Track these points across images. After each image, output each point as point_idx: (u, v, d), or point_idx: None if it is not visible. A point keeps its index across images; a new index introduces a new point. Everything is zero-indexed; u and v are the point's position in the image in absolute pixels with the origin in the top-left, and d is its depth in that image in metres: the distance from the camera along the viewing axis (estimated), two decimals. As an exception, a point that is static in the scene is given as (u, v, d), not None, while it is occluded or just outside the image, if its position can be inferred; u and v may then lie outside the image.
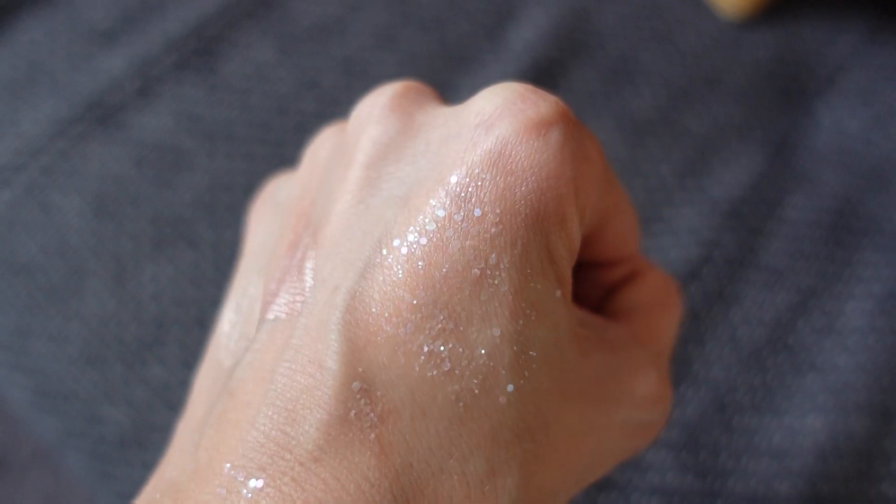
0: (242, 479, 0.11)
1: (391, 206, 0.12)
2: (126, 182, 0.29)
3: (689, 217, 0.29)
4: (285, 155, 0.30)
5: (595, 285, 0.16)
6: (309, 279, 0.13)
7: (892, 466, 0.25)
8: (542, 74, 0.32)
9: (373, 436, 0.11)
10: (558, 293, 0.12)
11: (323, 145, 0.15)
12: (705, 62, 0.33)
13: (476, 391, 0.11)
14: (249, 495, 0.11)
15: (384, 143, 0.13)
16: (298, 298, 0.12)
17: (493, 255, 0.11)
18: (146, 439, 0.26)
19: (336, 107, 0.31)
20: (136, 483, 0.25)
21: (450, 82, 0.32)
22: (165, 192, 0.29)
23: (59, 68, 0.31)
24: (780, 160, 0.31)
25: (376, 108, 0.13)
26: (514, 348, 0.11)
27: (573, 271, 0.14)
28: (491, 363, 0.11)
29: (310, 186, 0.14)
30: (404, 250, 0.12)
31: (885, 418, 0.26)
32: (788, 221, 0.30)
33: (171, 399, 0.26)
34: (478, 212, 0.12)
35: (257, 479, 0.11)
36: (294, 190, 0.15)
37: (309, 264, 0.13)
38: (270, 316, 0.13)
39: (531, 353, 0.12)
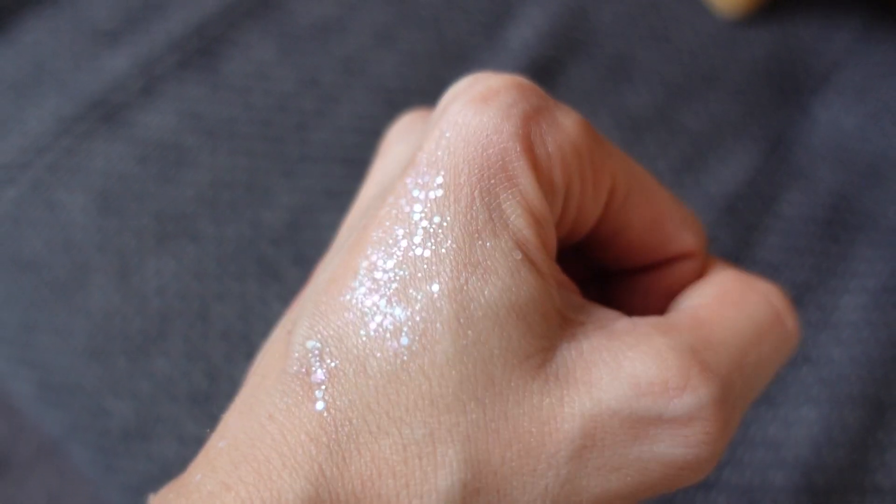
0: (214, 442, 0.12)
1: (376, 197, 0.13)
2: (130, 179, 0.29)
3: (685, 212, 0.30)
4: (286, 152, 0.30)
5: (654, 295, 0.14)
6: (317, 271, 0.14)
7: (886, 457, 0.26)
8: (540, 73, 0.32)
9: (318, 392, 0.11)
10: (517, 255, 0.12)
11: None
12: (702, 60, 0.33)
13: (414, 347, 0.11)
14: (213, 454, 0.12)
15: (391, 163, 0.14)
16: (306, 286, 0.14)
17: (437, 216, 0.12)
18: (150, 431, 0.26)
19: (336, 105, 0.31)
20: (141, 475, 0.26)
21: (448, 81, 0.32)
22: (168, 188, 0.29)
23: (63, 68, 0.31)
24: (775, 156, 0.32)
25: (389, 137, 0.15)
26: (454, 305, 0.11)
27: (626, 281, 0.14)
28: (428, 319, 0.11)
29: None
30: (371, 223, 0.12)
31: (878, 410, 0.26)
32: (784, 217, 0.30)
33: (175, 391, 0.26)
34: (426, 178, 0.12)
35: (224, 440, 0.12)
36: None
37: (323, 260, 0.14)
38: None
39: (476, 311, 0.11)
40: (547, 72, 0.32)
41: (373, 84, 0.32)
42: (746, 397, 0.12)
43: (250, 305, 0.27)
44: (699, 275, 0.14)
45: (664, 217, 0.14)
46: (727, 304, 0.13)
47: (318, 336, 0.12)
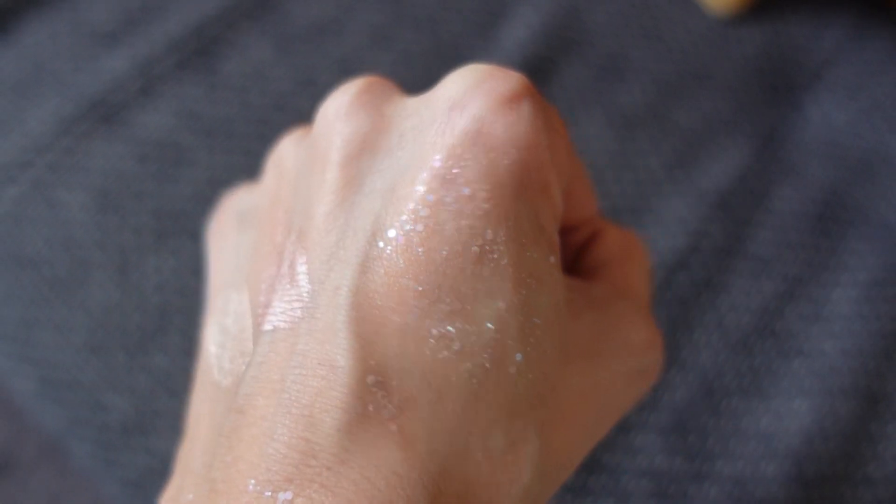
0: (270, 494, 0.11)
1: (377, 199, 0.12)
2: (129, 177, 0.30)
3: (677, 208, 0.30)
4: (283, 151, 0.30)
5: (566, 249, 0.16)
6: (305, 284, 0.12)
7: (877, 449, 0.26)
8: (533, 72, 0.33)
9: (394, 427, 0.11)
10: (552, 259, 0.12)
11: (287, 153, 0.14)
12: (694, 58, 0.34)
13: (487, 365, 0.11)
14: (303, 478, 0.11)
15: (357, 139, 0.13)
16: (297, 305, 0.12)
17: (489, 231, 0.12)
18: (149, 426, 0.26)
19: (333, 104, 0.32)
20: (140, 469, 0.26)
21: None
22: (167, 186, 0.29)
23: (63, 69, 0.32)
24: (767, 153, 0.32)
25: (343, 106, 0.13)
26: (520, 318, 0.12)
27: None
28: (499, 336, 0.12)
29: (280, 195, 0.14)
30: (401, 239, 0.12)
31: (870, 402, 0.26)
32: (775, 212, 0.30)
33: (173, 387, 0.26)
34: (467, 190, 0.12)
35: (285, 491, 0.10)
36: (262, 200, 0.14)
37: (301, 269, 0.12)
38: (268, 327, 0.12)
39: (535, 320, 0.12)
40: (541, 71, 0.33)
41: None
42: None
43: (248, 301, 0.27)
44: (595, 233, 0.16)
45: (587, 192, 0.15)
46: (630, 261, 0.16)
47: (376, 370, 0.11)
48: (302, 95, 0.32)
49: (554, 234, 0.13)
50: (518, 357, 0.12)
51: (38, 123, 0.31)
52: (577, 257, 0.16)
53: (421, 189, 0.12)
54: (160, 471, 0.26)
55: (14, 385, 0.29)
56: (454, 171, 0.12)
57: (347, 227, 0.12)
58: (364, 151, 0.13)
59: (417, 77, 0.32)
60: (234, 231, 0.15)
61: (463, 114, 0.12)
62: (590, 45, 0.34)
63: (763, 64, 0.34)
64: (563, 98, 0.32)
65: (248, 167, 0.30)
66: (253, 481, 0.11)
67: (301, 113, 0.31)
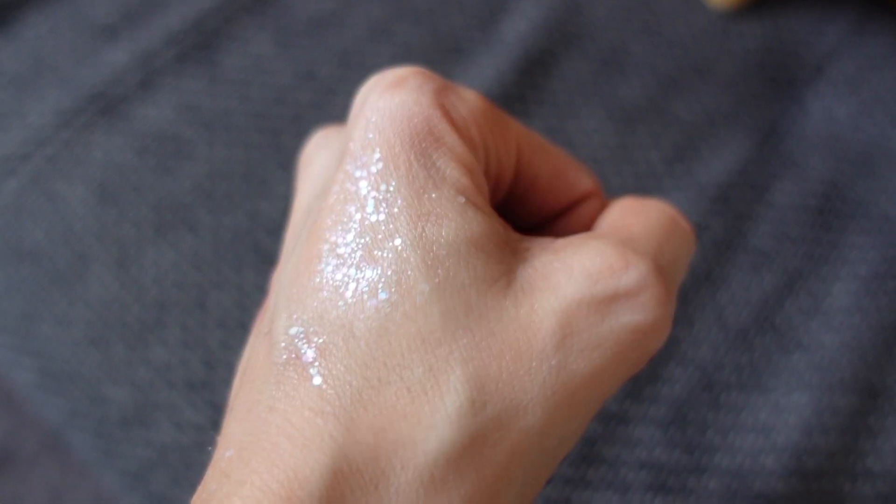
0: (220, 455, 0.12)
1: (317, 199, 0.14)
2: (128, 170, 0.30)
3: (677, 201, 0.30)
4: (282, 144, 0.30)
5: (571, 233, 0.16)
6: (273, 287, 0.15)
7: (877, 441, 0.26)
8: (534, 65, 0.33)
9: (312, 370, 0.12)
10: (461, 199, 0.13)
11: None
12: (694, 52, 0.34)
13: (393, 298, 0.12)
14: (223, 465, 0.12)
15: (312, 170, 0.16)
16: (266, 302, 0.15)
17: (383, 184, 0.13)
18: (148, 418, 0.26)
19: (332, 97, 0.32)
20: (139, 461, 0.26)
21: (444, 74, 0.32)
22: (166, 179, 0.29)
23: (63, 62, 0.32)
24: (768, 146, 0.32)
25: (307, 151, 0.16)
26: (419, 251, 0.13)
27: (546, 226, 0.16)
28: (399, 269, 0.12)
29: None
30: (321, 215, 0.13)
31: (870, 395, 0.26)
32: (776, 205, 0.30)
33: (172, 379, 0.26)
34: (364, 159, 0.13)
35: (230, 449, 0.12)
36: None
37: (274, 277, 0.15)
38: (256, 322, 0.15)
39: (440, 252, 0.13)
40: (541, 64, 0.33)
41: (369, 76, 0.32)
42: (674, 284, 0.15)
43: (247, 294, 0.27)
44: (603, 209, 0.16)
45: (564, 165, 0.16)
46: (633, 214, 0.15)
47: (299, 322, 0.13)
48: (301, 89, 0.31)
49: (461, 178, 0.13)
50: (424, 287, 0.12)
51: (38, 116, 0.31)
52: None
53: (339, 171, 0.14)
54: (159, 463, 0.26)
55: (14, 377, 0.29)
56: (359, 148, 0.14)
57: (297, 228, 0.15)
58: (316, 172, 0.16)
59: (417, 70, 0.32)
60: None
61: (364, 107, 0.14)
62: (590, 38, 0.33)
63: (764, 58, 0.34)
64: (563, 92, 0.32)
65: (247, 160, 0.30)
66: (229, 450, 0.12)
67: (301, 106, 0.31)
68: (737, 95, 0.33)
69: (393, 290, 0.12)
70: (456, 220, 0.13)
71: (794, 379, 0.26)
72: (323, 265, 0.13)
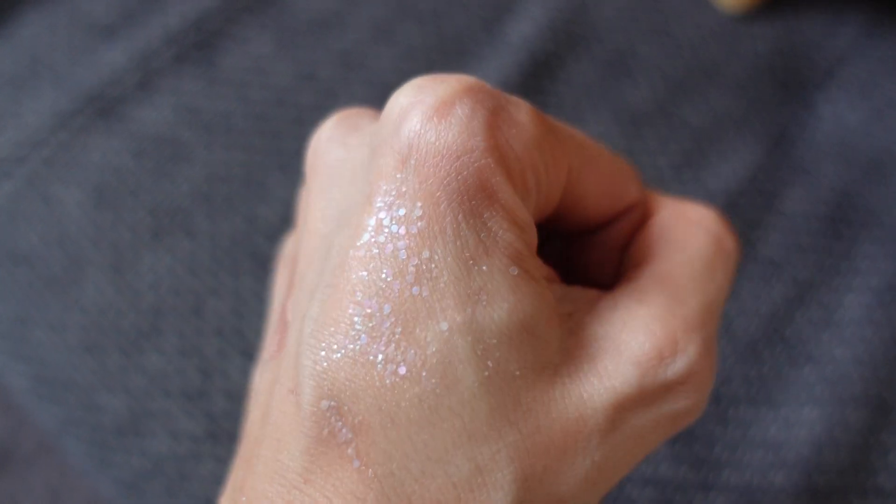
0: None
1: (339, 230, 0.13)
2: (125, 173, 0.29)
3: (685, 209, 0.29)
4: (283, 147, 0.30)
5: (609, 249, 0.15)
6: (289, 317, 0.13)
7: (889, 458, 0.25)
8: (539, 68, 0.32)
9: (350, 450, 0.11)
10: (514, 270, 0.12)
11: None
12: (703, 55, 0.33)
13: (437, 390, 0.11)
14: None
15: (328, 172, 0.14)
16: (282, 336, 0.13)
17: (426, 251, 0.11)
18: (143, 427, 0.26)
19: (333, 99, 0.31)
20: (134, 470, 0.26)
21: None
22: (164, 183, 0.29)
23: (60, 62, 0.31)
24: (778, 153, 0.31)
25: (320, 142, 0.14)
26: (469, 339, 0.11)
27: (575, 242, 0.14)
28: (445, 359, 0.11)
29: (296, 236, 0.15)
30: (349, 264, 0.12)
31: (882, 410, 0.26)
32: (786, 214, 0.30)
33: (168, 387, 0.26)
34: (402, 212, 0.11)
35: None
36: (291, 243, 0.16)
37: (289, 304, 0.14)
38: (265, 356, 0.14)
39: (490, 341, 0.11)
40: (546, 67, 0.32)
41: (371, 79, 0.31)
42: (715, 324, 0.14)
43: (245, 301, 0.27)
44: (644, 218, 0.15)
45: (613, 179, 0.14)
46: (677, 250, 0.14)
47: (329, 395, 0.11)
48: (302, 90, 0.31)
49: (515, 243, 0.12)
50: (473, 380, 0.11)
51: (34, 117, 0.30)
52: (624, 255, 0.15)
53: (365, 217, 0.12)
54: (154, 473, 0.25)
55: (8, 383, 0.28)
56: (392, 193, 0.12)
57: (316, 259, 0.13)
58: (333, 183, 0.13)
59: (420, 72, 0.32)
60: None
61: (397, 134, 0.12)
62: (597, 40, 0.33)
63: (774, 61, 0.33)
64: (569, 95, 0.32)
65: (247, 163, 0.29)
66: (244, 498, 0.12)
67: (301, 108, 0.31)
68: (746, 99, 0.32)
69: (438, 380, 0.11)
70: (508, 298, 0.11)
71: (805, 393, 0.26)
72: (355, 333, 0.11)
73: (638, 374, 0.12)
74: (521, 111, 0.13)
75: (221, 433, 0.25)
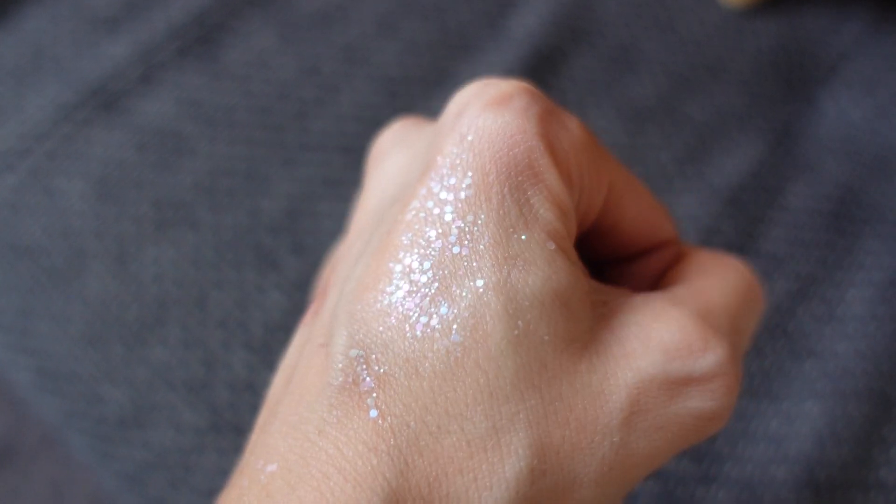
0: (261, 467, 0.12)
1: (393, 204, 0.13)
2: (128, 166, 0.29)
3: (688, 204, 0.29)
4: (285, 140, 0.30)
5: (643, 280, 0.15)
6: (329, 285, 0.14)
7: (890, 453, 0.25)
8: (542, 62, 0.32)
9: (369, 400, 0.11)
10: (551, 245, 0.12)
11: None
12: (707, 50, 0.33)
13: (466, 343, 0.11)
14: (264, 479, 0.11)
15: (386, 166, 0.15)
16: (320, 303, 0.14)
17: (470, 215, 0.12)
18: (146, 419, 0.26)
19: (336, 94, 0.31)
20: (137, 463, 0.26)
21: (450, 70, 0.32)
22: (167, 176, 0.29)
23: (63, 55, 0.31)
24: (781, 148, 0.31)
25: (382, 143, 0.16)
26: (502, 297, 0.12)
27: (614, 265, 0.15)
28: (478, 314, 0.12)
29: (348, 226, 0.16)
30: (396, 229, 0.13)
31: (884, 405, 0.26)
32: (789, 209, 0.30)
33: (172, 379, 0.26)
34: (453, 180, 0.12)
35: (273, 463, 0.12)
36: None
37: (332, 276, 0.14)
38: (307, 319, 0.14)
39: (523, 302, 0.12)
40: (550, 61, 0.32)
41: (374, 73, 0.31)
42: (741, 355, 0.14)
43: (248, 293, 0.27)
44: (677, 258, 0.15)
45: (651, 210, 0.15)
46: (711, 277, 0.14)
47: (361, 344, 0.12)
48: (305, 84, 0.31)
49: (555, 222, 0.12)
50: (501, 337, 0.11)
51: (37, 110, 0.30)
52: (657, 281, 0.15)
53: (420, 188, 0.13)
54: (158, 465, 0.26)
55: (12, 376, 0.28)
56: (446, 167, 0.13)
57: (365, 230, 0.14)
58: (396, 178, 0.15)
59: (423, 67, 0.32)
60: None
61: (459, 120, 0.13)
62: (601, 35, 0.33)
63: (778, 57, 0.33)
64: (572, 90, 0.32)
65: (250, 157, 0.29)
66: (254, 457, 0.12)
67: (304, 102, 0.31)
68: (750, 95, 0.32)
69: (468, 334, 0.11)
70: (544, 268, 0.12)
71: (807, 387, 0.26)
72: (393, 288, 0.12)
73: (664, 360, 0.12)
74: (572, 119, 0.14)
75: (224, 425, 0.25)
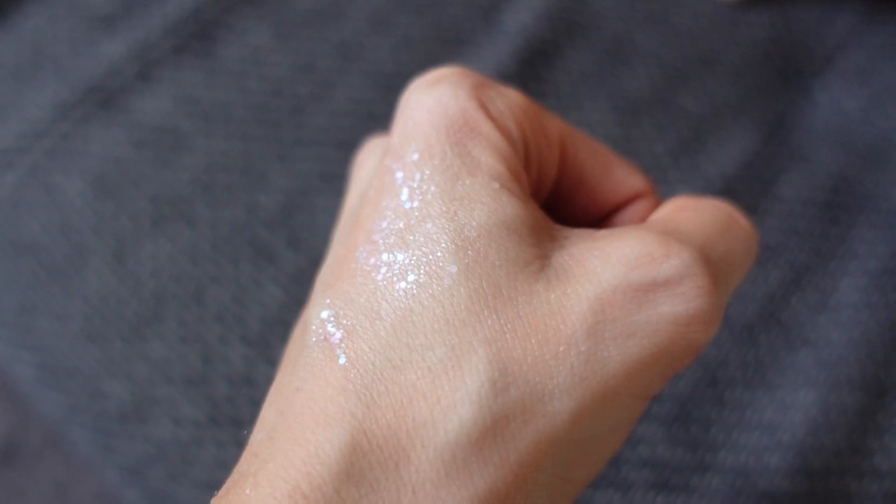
0: (255, 435, 0.13)
1: (362, 196, 0.15)
2: (126, 163, 0.29)
3: (683, 195, 0.29)
4: (281, 136, 0.30)
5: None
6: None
7: (884, 440, 0.25)
8: (536, 56, 0.32)
9: (339, 351, 0.12)
10: (495, 185, 0.13)
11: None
12: (701, 42, 0.33)
13: (421, 279, 0.12)
14: (254, 446, 0.12)
15: (361, 172, 0.16)
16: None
17: (418, 174, 0.13)
18: (146, 413, 0.26)
19: (331, 90, 0.31)
20: (138, 456, 0.26)
21: (444, 65, 0.32)
22: (164, 172, 0.29)
23: (61, 53, 0.31)
24: (775, 139, 0.31)
25: (358, 155, 0.17)
26: (449, 233, 0.13)
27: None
28: (430, 253, 0.12)
29: None
30: (363, 210, 0.14)
31: (877, 393, 0.26)
32: (783, 199, 0.30)
33: (171, 374, 0.26)
34: (402, 152, 0.14)
35: (262, 432, 0.13)
36: None
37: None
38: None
39: (470, 234, 0.12)
40: (544, 55, 0.32)
41: (369, 69, 0.32)
42: (726, 282, 0.14)
43: (245, 288, 0.27)
44: (656, 206, 0.16)
45: (612, 163, 0.16)
46: (686, 210, 0.14)
47: (332, 306, 0.13)
48: (300, 81, 0.31)
49: (496, 166, 0.13)
50: (452, 268, 0.12)
51: (36, 109, 0.30)
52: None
53: (378, 170, 0.14)
54: (158, 458, 0.26)
55: (13, 372, 0.29)
56: (399, 143, 0.14)
57: (345, 224, 0.15)
58: (363, 177, 0.16)
59: (418, 62, 0.32)
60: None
61: (404, 108, 0.14)
62: (595, 28, 0.33)
63: (772, 48, 0.33)
64: (566, 83, 0.32)
65: (246, 152, 0.30)
66: (254, 433, 0.13)
67: (299, 98, 0.31)
68: (744, 87, 0.32)
69: (421, 271, 0.12)
70: (489, 203, 0.13)
71: (801, 376, 0.26)
72: (358, 253, 0.13)
73: (625, 271, 0.12)
74: (507, 89, 0.15)
75: (223, 418, 0.26)
